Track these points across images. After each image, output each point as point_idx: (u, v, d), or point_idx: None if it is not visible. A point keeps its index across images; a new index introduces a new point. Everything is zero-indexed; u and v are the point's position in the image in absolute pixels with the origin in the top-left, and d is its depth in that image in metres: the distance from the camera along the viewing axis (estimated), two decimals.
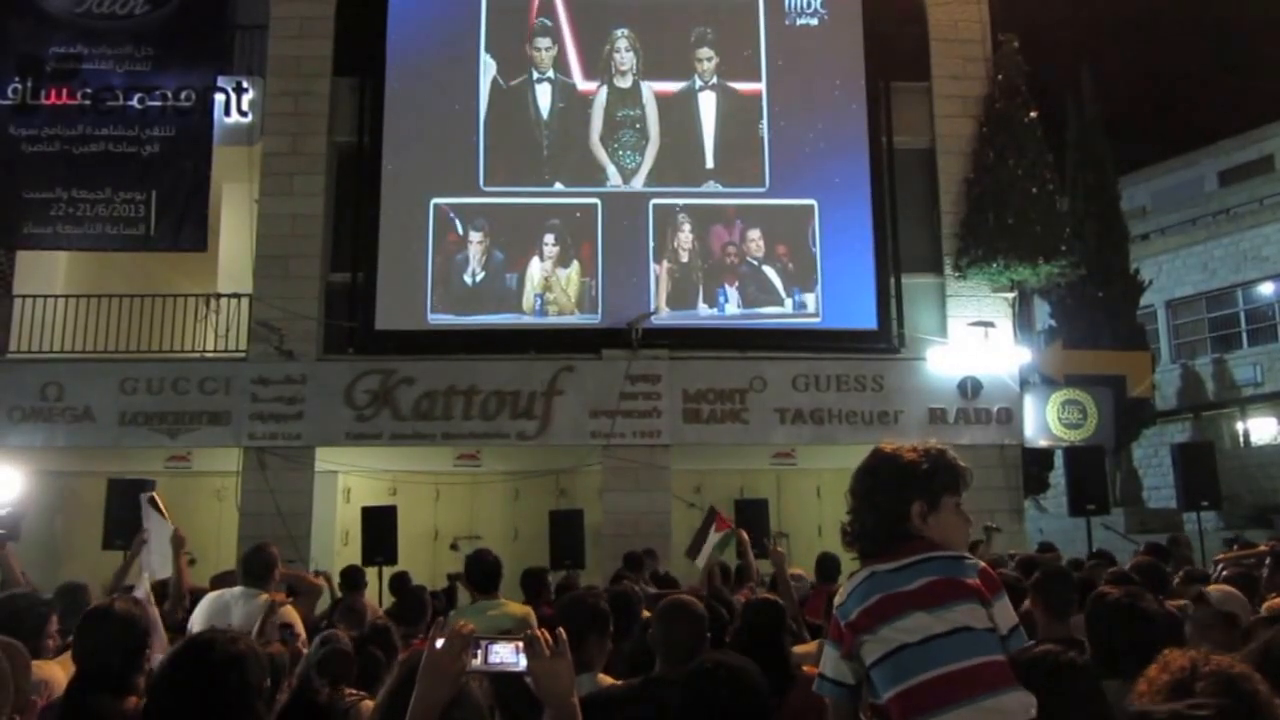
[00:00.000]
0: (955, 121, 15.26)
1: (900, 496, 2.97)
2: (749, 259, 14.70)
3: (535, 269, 14.48)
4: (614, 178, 14.83)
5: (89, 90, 14.44)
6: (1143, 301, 20.76)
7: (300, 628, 6.15)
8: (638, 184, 14.82)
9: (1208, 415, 23.79)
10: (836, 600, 2.96)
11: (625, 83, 15.11)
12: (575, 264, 14.52)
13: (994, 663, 2.70)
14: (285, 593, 7.01)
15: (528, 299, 14.45)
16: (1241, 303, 23.97)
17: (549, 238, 14.53)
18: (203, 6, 14.71)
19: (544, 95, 15.05)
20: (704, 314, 14.56)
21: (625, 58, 15.13)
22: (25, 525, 11.67)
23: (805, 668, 5.12)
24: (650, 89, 15.09)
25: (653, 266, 14.57)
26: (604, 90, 15.08)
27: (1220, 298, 24.15)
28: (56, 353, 14.13)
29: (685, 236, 14.67)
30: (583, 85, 15.09)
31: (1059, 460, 16.20)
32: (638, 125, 15.01)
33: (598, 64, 15.14)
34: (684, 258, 14.64)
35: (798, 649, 5.46)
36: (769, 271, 14.68)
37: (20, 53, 14.49)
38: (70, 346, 14.16)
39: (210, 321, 14.43)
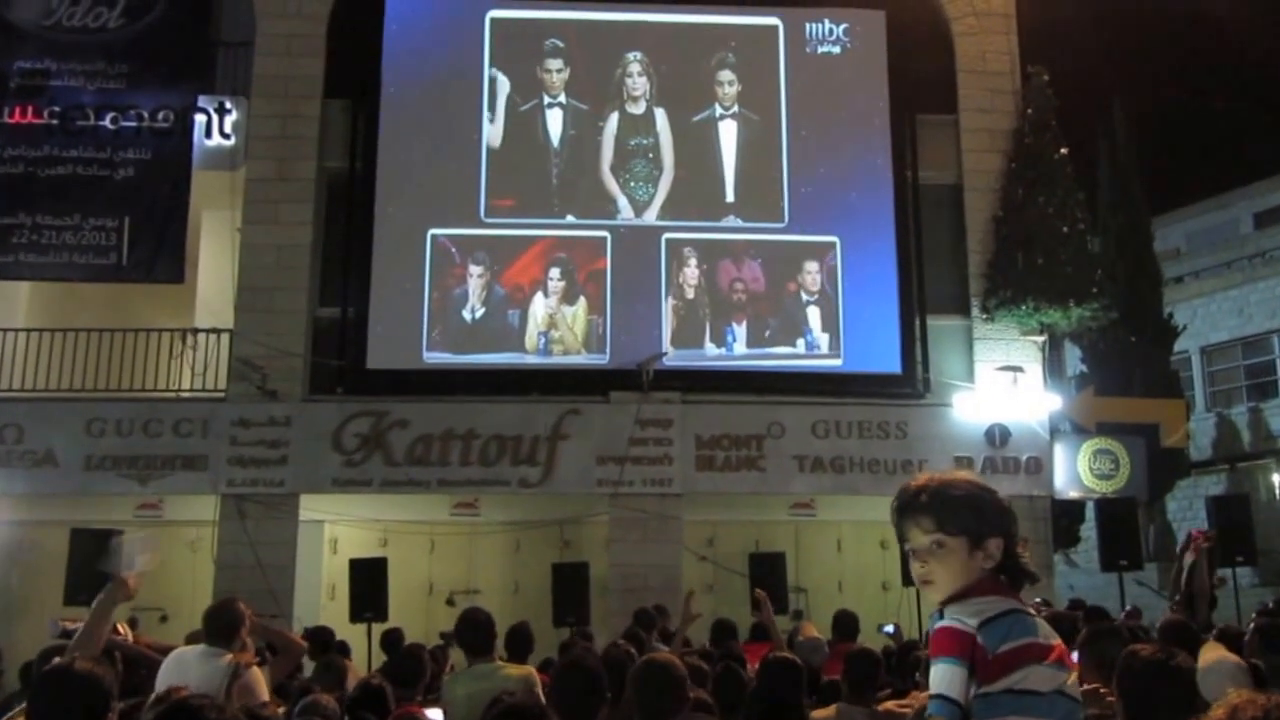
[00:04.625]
0: (983, 156, 15.90)
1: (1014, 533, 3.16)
2: (759, 296, 15.36)
3: (539, 305, 15.00)
4: (625, 210, 15.40)
5: (57, 109, 14.77)
6: (1177, 347, 21.52)
7: (264, 693, 6.24)
8: (650, 217, 15.39)
9: (1244, 466, 24.50)
10: (974, 621, 3.00)
11: (638, 109, 15.78)
12: (582, 300, 15.09)
13: None
14: (265, 651, 7.19)
15: (531, 338, 14.95)
16: (1278, 349, 24.81)
17: (554, 272, 15.10)
18: (183, 21, 15.09)
19: (555, 121, 15.62)
20: (711, 354, 15.12)
21: (638, 83, 15.76)
22: None
23: None
24: (665, 116, 15.79)
25: (664, 304, 15.20)
26: (615, 116, 15.74)
27: (1256, 344, 24.95)
28: (16, 391, 14.37)
29: (692, 272, 15.26)
30: (593, 111, 15.73)
31: (1090, 513, 16.79)
32: (650, 154, 15.62)
33: (609, 89, 15.82)
34: (690, 294, 15.23)
35: (815, 714, 5.81)
36: (785, 309, 15.34)
37: None
38: (32, 385, 14.37)
39: (187, 359, 14.72)
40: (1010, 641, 2.95)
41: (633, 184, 15.49)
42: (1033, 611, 3.08)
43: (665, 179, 15.54)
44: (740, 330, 15.20)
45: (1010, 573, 3.09)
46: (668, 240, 15.31)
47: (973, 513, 3.10)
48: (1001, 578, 3.05)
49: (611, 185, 15.50)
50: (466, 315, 14.95)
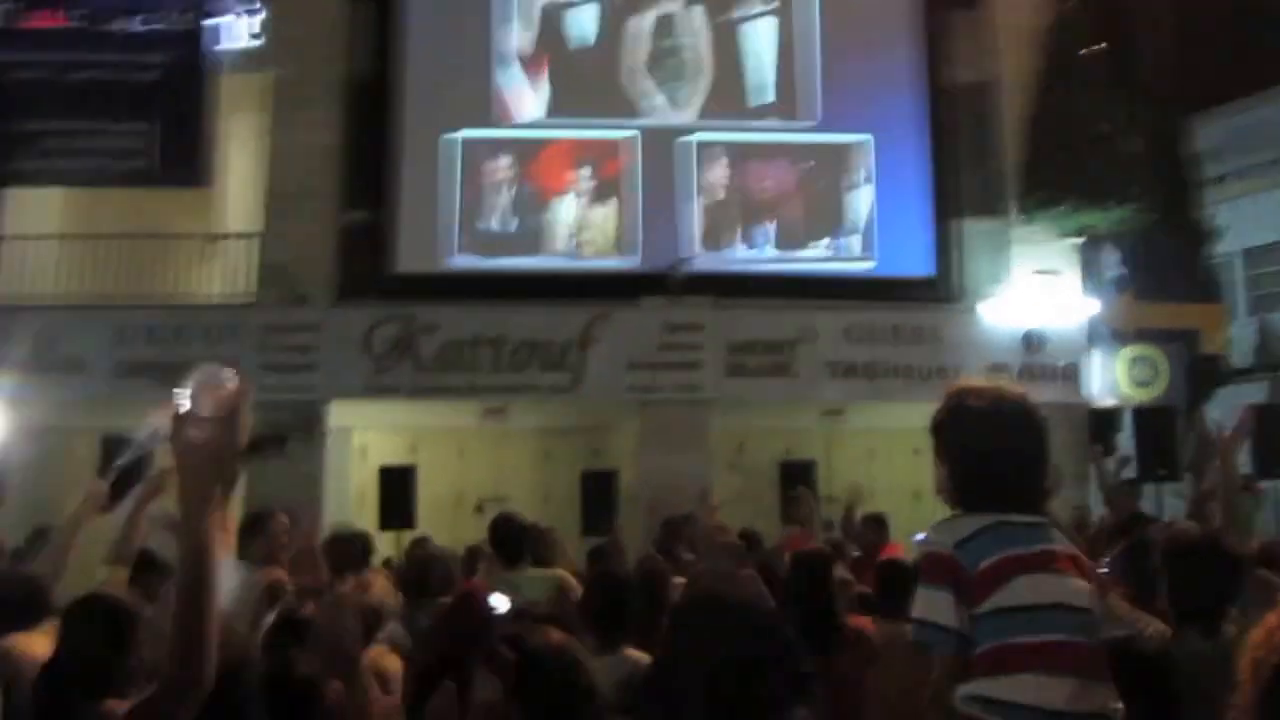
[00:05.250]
0: (1017, 53, 15.57)
1: (1046, 450, 3.29)
2: (789, 197, 15.28)
3: (568, 206, 15.03)
4: (658, 111, 15.36)
5: (81, 12, 14.83)
6: (1219, 250, 21.29)
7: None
8: (685, 118, 15.36)
9: None
10: (949, 540, 3.08)
11: (675, 5, 15.62)
12: (613, 201, 15.08)
13: (1099, 649, 3.04)
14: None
15: (560, 239, 15.02)
16: None
17: (584, 171, 15.06)
18: None
19: (589, 18, 15.53)
20: (741, 255, 15.14)
21: None
22: (9, 486, 12.12)
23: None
24: (703, 13, 15.59)
25: (695, 205, 15.13)
26: (653, 14, 15.58)
27: None
28: (49, 297, 14.53)
29: (721, 172, 15.22)
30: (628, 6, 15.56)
31: (1128, 422, 16.73)
32: (687, 54, 15.52)
33: None
34: (720, 195, 15.19)
35: (853, 620, 5.72)
36: (815, 209, 15.28)
37: None
38: (65, 291, 14.58)
39: (215, 264, 14.94)
40: (988, 557, 3.01)
41: (668, 84, 15.35)
42: (1030, 521, 3.12)
43: (703, 80, 15.39)
44: (770, 230, 15.14)
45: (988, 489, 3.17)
46: (698, 141, 15.21)
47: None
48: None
49: (646, 85, 15.36)
50: (494, 218, 15.00)
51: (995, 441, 3.19)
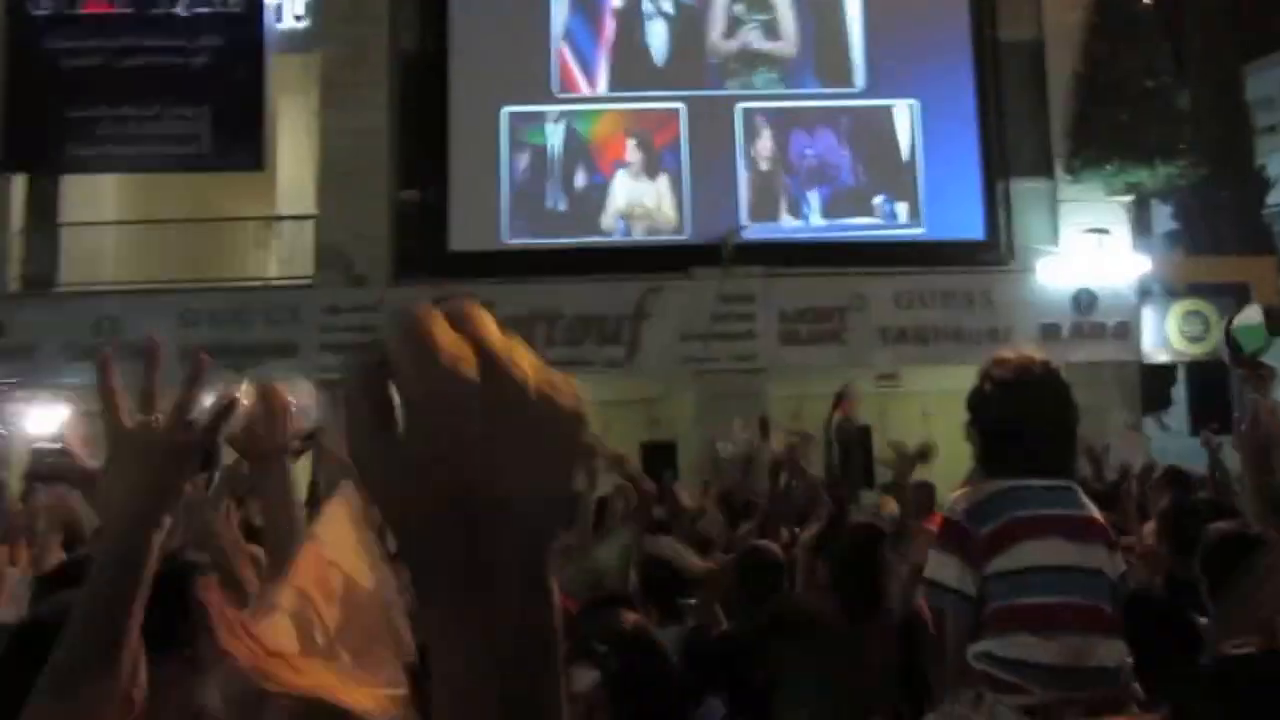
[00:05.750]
0: (1063, 11, 15.59)
1: (1074, 416, 3.48)
2: (834, 165, 15.40)
3: (620, 183, 15.21)
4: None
5: None
6: (1271, 200, 21.22)
7: None
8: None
9: None
10: (961, 507, 3.31)
11: None
12: (663, 176, 15.25)
13: (1112, 610, 3.20)
14: None
15: (611, 217, 15.21)
16: None
17: (630, 143, 15.23)
18: None
19: None
20: (788, 226, 15.29)
21: None
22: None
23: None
24: None
25: (742, 168, 15.27)
26: None
27: None
28: (110, 284, 14.92)
29: (765, 144, 15.34)
30: None
31: (1181, 377, 16.82)
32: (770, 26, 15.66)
33: None
34: (765, 166, 15.32)
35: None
36: (862, 176, 15.40)
37: None
38: (124, 277, 14.94)
39: (272, 247, 15.21)
40: (992, 522, 3.20)
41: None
42: (1051, 484, 3.30)
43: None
44: (819, 198, 15.27)
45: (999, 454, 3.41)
46: (744, 109, 15.33)
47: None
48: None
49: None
50: (547, 194, 15.17)
51: (1017, 409, 3.38)
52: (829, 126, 15.42)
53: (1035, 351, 3.64)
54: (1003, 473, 3.33)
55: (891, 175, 15.39)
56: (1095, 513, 3.35)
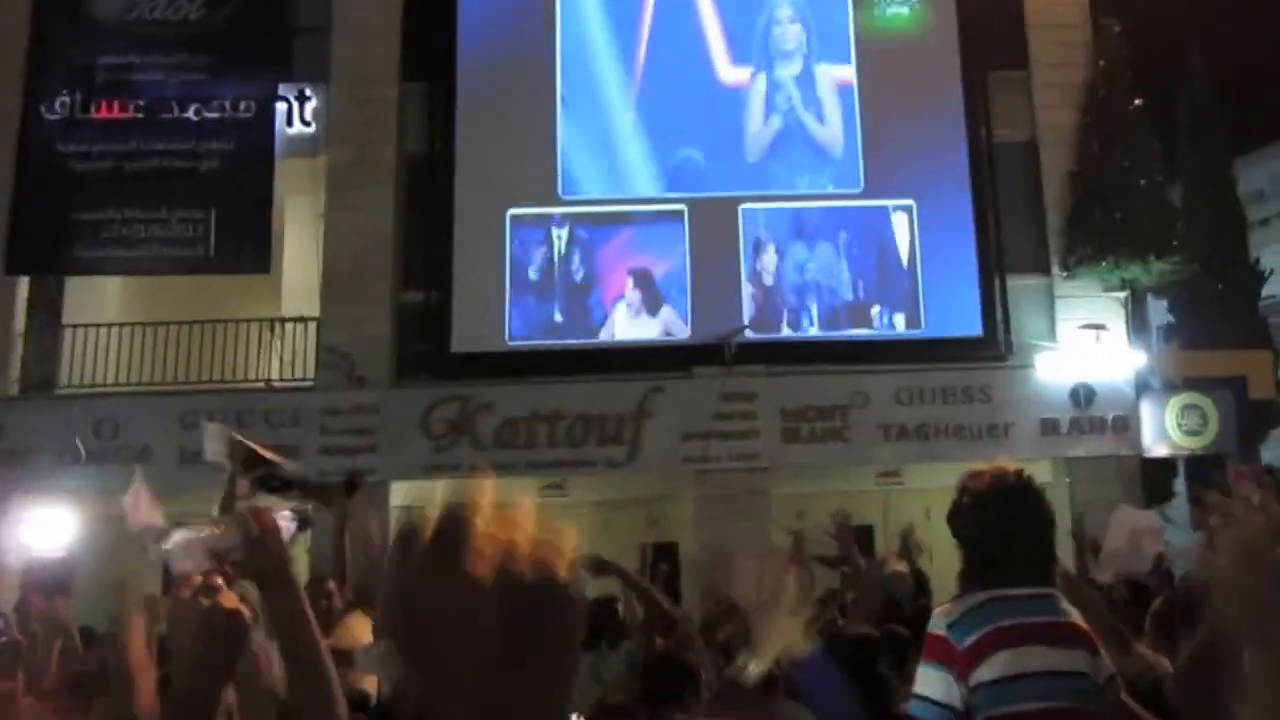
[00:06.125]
0: (1057, 112, 15.97)
1: (1052, 528, 3.57)
2: (834, 275, 15.62)
3: (620, 316, 15.44)
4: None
5: (142, 102, 15.23)
6: (1266, 292, 21.41)
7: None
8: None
9: None
10: (944, 622, 3.38)
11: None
12: (665, 309, 15.43)
13: (1097, 714, 3.29)
14: None
15: (615, 327, 15.47)
16: None
17: (629, 282, 15.43)
18: (262, 10, 15.45)
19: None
20: (787, 336, 15.50)
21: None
22: (79, 576, 12.40)
23: None
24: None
25: (745, 279, 15.47)
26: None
27: None
28: (111, 385, 14.93)
29: (770, 259, 15.55)
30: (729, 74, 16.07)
31: (1181, 470, 16.89)
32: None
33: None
34: (768, 280, 15.52)
35: None
36: (861, 285, 15.62)
37: (68, 65, 15.30)
38: (125, 379, 14.94)
39: (275, 348, 15.30)
40: (973, 634, 3.28)
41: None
42: (1032, 593, 3.39)
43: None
44: (818, 302, 15.46)
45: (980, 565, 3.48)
46: (744, 210, 15.55)
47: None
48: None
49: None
50: (549, 297, 15.33)
51: (993, 521, 3.47)
52: (828, 240, 15.61)
53: (1009, 463, 3.72)
54: (984, 584, 3.41)
55: (890, 286, 15.55)
56: (1077, 618, 3.41)
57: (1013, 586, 3.35)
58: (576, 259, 15.49)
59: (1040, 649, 3.24)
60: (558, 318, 15.38)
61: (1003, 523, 3.47)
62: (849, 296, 15.60)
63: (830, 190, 15.83)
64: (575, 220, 15.52)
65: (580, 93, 15.87)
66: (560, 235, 15.46)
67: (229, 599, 2.01)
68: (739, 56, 16.04)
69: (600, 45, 16.03)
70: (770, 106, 15.99)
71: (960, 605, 3.38)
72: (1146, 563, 8.22)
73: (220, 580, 2.06)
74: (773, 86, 16.02)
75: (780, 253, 15.56)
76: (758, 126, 15.94)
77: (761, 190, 15.72)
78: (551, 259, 15.43)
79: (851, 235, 15.71)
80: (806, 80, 16.07)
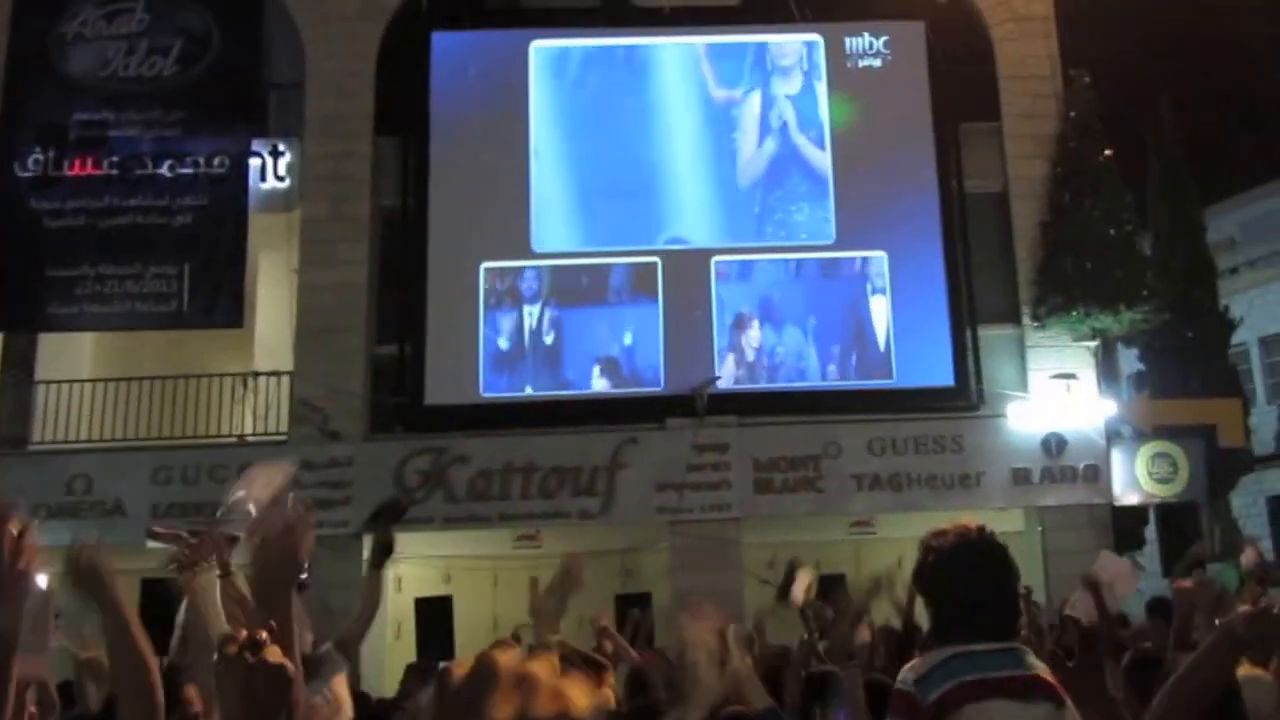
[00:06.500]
0: (1028, 163, 16.14)
1: (1016, 582, 3.62)
2: (807, 317, 15.75)
3: (596, 379, 15.56)
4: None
5: (116, 159, 15.22)
6: (1235, 340, 21.63)
7: None
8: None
9: None
10: (910, 678, 3.43)
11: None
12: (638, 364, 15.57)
13: None
14: None
15: (590, 378, 15.52)
16: None
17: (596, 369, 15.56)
18: (236, 67, 15.54)
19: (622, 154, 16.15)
20: (763, 378, 15.57)
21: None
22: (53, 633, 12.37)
23: None
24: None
25: (717, 331, 15.57)
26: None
27: None
28: (84, 442, 14.94)
29: (754, 334, 15.68)
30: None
31: (1152, 518, 16.98)
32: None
33: None
34: (750, 356, 15.63)
35: None
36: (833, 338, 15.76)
37: (42, 122, 15.31)
38: (98, 435, 14.94)
39: (248, 403, 15.32)
40: (937, 690, 3.32)
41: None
42: (996, 648, 3.42)
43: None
44: (791, 351, 15.61)
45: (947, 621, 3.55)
46: (716, 263, 15.69)
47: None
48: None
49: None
50: (523, 349, 15.41)
51: (957, 579, 3.53)
52: (803, 278, 15.76)
53: (971, 520, 3.77)
54: (950, 639, 3.46)
55: (863, 325, 15.65)
56: (1042, 670, 3.44)
57: (978, 642, 3.40)
58: (550, 336, 15.57)
59: (1003, 703, 3.27)
60: (537, 361, 15.49)
61: (968, 580, 3.53)
62: (822, 335, 15.72)
63: (804, 241, 15.88)
64: (549, 299, 15.61)
65: (553, 147, 16.00)
66: (532, 312, 15.57)
67: (274, 654, 2.06)
68: (724, 81, 16.34)
69: (574, 100, 16.20)
70: (764, 128, 16.24)
71: (926, 661, 3.44)
72: (1117, 604, 8.32)
73: (266, 635, 2.15)
74: (767, 103, 16.29)
75: (756, 314, 15.68)
76: (750, 151, 16.15)
77: (735, 242, 15.85)
78: (523, 335, 15.52)
79: (824, 313, 15.85)
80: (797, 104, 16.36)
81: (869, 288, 15.80)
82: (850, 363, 15.67)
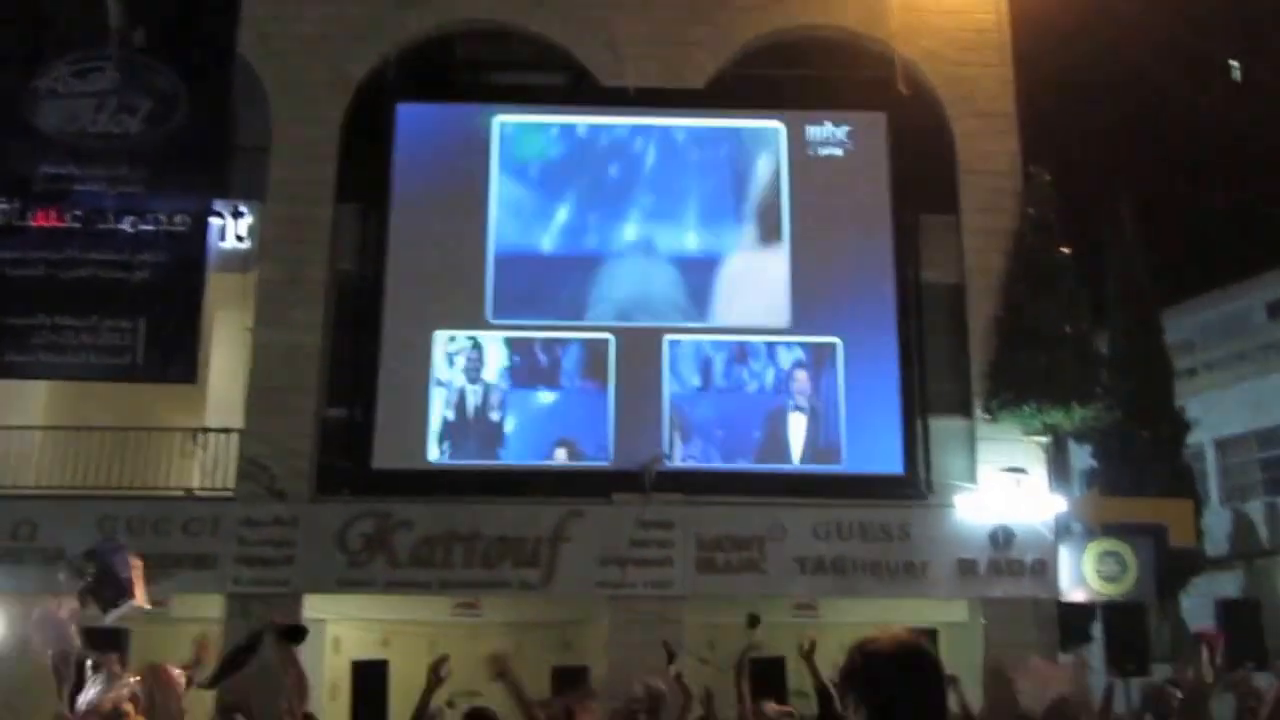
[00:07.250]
0: (985, 256, 16.31)
1: (944, 688, 3.62)
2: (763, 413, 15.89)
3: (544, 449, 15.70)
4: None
5: (79, 212, 15.33)
6: (1191, 440, 21.79)
7: None
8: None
9: (1261, 562, 24.56)
10: None
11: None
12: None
13: None
14: None
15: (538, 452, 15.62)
16: None
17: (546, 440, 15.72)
18: (202, 128, 15.67)
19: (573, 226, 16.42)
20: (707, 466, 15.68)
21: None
22: None
23: None
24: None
25: (666, 409, 15.66)
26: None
27: (1273, 436, 25.04)
28: (31, 488, 15.00)
29: (692, 380, 15.83)
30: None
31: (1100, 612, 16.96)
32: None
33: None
34: (698, 435, 15.77)
35: None
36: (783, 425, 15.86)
37: (8, 173, 15.42)
38: (47, 482, 15.04)
39: (197, 458, 15.36)
40: None
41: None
42: None
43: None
44: (740, 435, 15.73)
45: None
46: (669, 340, 15.80)
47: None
48: None
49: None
50: (471, 418, 15.46)
51: (889, 690, 3.56)
52: (755, 361, 15.89)
53: (904, 630, 3.81)
54: None
55: (814, 410, 15.74)
56: None
57: None
58: (497, 410, 15.69)
59: None
60: (486, 429, 15.62)
61: (898, 686, 3.59)
62: (775, 433, 15.83)
63: (759, 323, 16.01)
64: (501, 371, 15.77)
65: (513, 218, 16.17)
66: (480, 388, 15.68)
67: None
68: (684, 161, 16.72)
69: (534, 172, 16.40)
70: (724, 209, 16.58)
71: None
72: (1035, 703, 8.40)
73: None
74: (730, 185, 16.61)
75: (705, 394, 15.86)
76: (709, 231, 16.52)
77: (689, 321, 15.97)
78: (471, 405, 15.64)
79: (778, 361, 15.98)
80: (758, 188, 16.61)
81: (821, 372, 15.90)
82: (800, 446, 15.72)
